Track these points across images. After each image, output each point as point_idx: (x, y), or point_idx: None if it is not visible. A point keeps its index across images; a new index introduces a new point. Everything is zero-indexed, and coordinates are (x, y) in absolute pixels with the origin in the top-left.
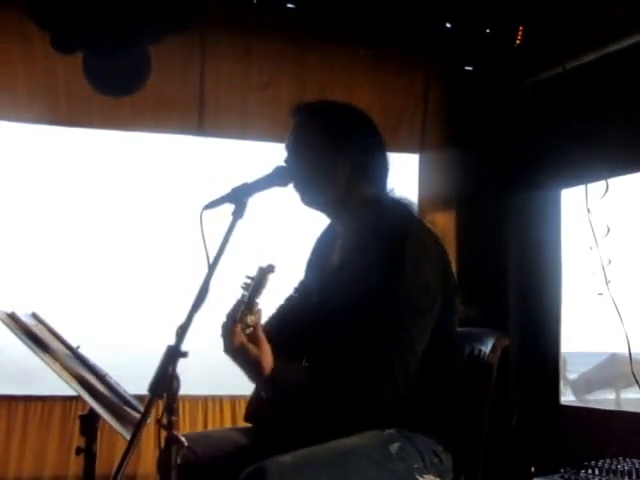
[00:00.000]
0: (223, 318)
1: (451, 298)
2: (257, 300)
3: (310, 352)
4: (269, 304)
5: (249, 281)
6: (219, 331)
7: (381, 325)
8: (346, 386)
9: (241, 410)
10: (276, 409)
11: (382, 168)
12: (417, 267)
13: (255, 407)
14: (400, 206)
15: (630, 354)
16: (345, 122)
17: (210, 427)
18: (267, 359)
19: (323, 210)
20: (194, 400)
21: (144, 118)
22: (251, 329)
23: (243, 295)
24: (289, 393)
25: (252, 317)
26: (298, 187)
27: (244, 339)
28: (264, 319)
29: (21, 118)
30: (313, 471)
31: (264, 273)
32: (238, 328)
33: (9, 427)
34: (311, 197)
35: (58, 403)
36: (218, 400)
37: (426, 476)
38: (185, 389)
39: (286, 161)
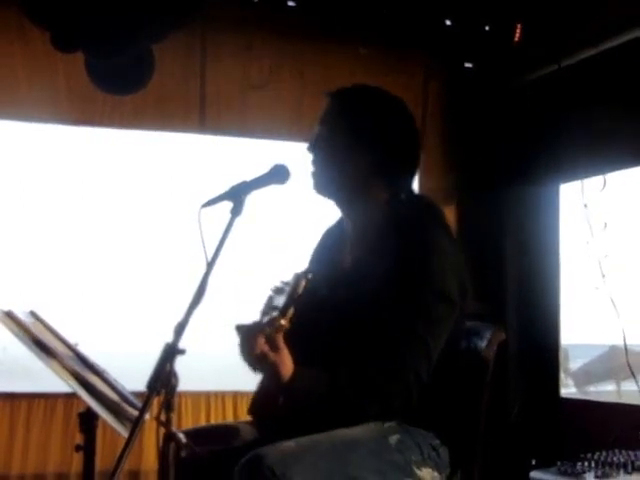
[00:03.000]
0: (245, 325)
1: (464, 301)
2: (291, 306)
3: (322, 349)
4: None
5: (280, 285)
6: (238, 336)
7: (398, 333)
8: (362, 397)
9: (243, 406)
10: (287, 409)
11: (408, 169)
12: (438, 273)
13: (260, 401)
14: (421, 208)
15: (626, 347)
16: (368, 113)
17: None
18: (286, 366)
19: (335, 199)
20: (196, 396)
21: (145, 116)
22: (280, 334)
23: (271, 297)
24: (307, 401)
25: (284, 322)
26: (315, 172)
27: (265, 347)
28: None
29: (22, 116)
30: (312, 459)
31: (299, 279)
32: (260, 338)
33: (12, 424)
34: (320, 183)
35: (60, 400)
36: (220, 396)
37: (424, 469)
38: (187, 385)
39: (311, 144)
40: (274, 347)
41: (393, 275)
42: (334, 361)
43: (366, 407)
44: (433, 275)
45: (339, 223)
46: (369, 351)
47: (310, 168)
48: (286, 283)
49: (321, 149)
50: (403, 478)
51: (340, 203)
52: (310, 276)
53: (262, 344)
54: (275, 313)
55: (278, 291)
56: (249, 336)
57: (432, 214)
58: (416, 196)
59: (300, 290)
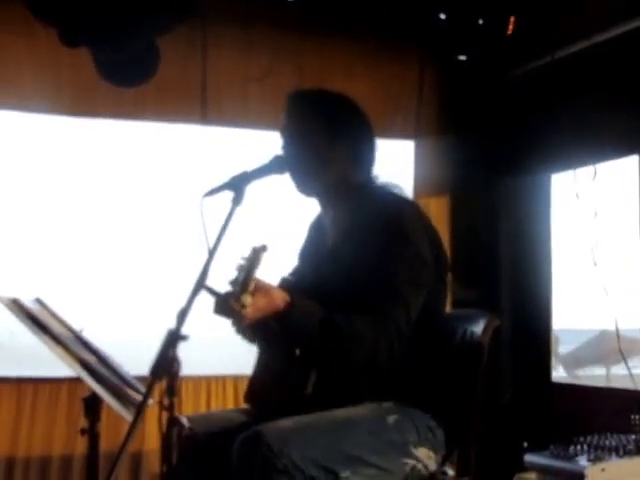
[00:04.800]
0: (217, 305)
1: (443, 276)
2: (252, 280)
3: None
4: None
5: (243, 262)
6: (222, 316)
7: (378, 292)
8: (352, 339)
9: (243, 390)
10: (276, 388)
11: (371, 155)
12: (415, 240)
13: (255, 387)
14: (392, 189)
15: (617, 332)
16: (340, 111)
17: (213, 407)
18: (280, 297)
19: (316, 196)
20: (197, 380)
21: (147, 108)
22: (247, 309)
23: (237, 276)
24: (302, 329)
25: (248, 297)
26: (293, 174)
27: (250, 310)
28: None
29: (27, 108)
30: (310, 436)
31: (257, 253)
32: (238, 306)
33: (19, 408)
34: (306, 184)
35: (65, 385)
36: (221, 380)
37: (420, 449)
38: (188, 370)
39: (282, 148)
40: (262, 290)
41: (374, 246)
42: None
43: (356, 348)
44: (408, 240)
45: (321, 216)
46: (354, 309)
47: (288, 170)
48: (246, 258)
49: (298, 149)
50: (400, 457)
51: (322, 198)
52: (267, 249)
53: (246, 310)
54: (238, 288)
55: (240, 268)
56: (230, 313)
57: (405, 196)
58: (386, 182)
59: (259, 263)
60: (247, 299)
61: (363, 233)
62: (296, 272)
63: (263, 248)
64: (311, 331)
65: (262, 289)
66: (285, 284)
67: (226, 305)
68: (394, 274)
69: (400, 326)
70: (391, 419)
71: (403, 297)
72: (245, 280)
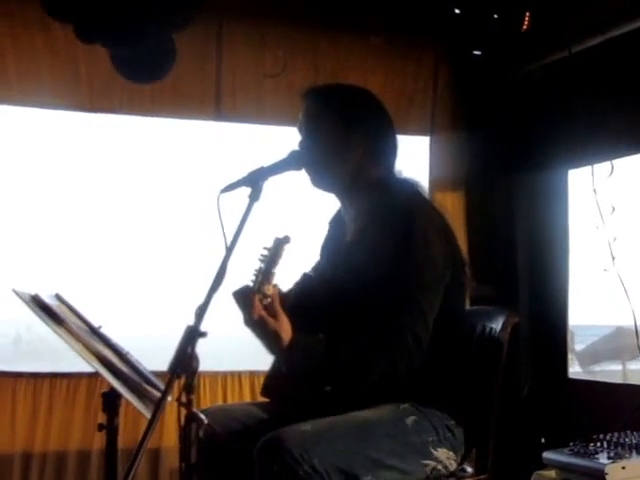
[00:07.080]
0: (239, 289)
1: (459, 274)
2: (274, 271)
3: (326, 326)
4: (286, 278)
5: (266, 252)
6: (236, 303)
7: (393, 299)
8: (361, 357)
9: (259, 386)
10: (293, 383)
11: (391, 150)
12: (425, 243)
13: (272, 381)
14: (408, 186)
15: (636, 328)
16: (355, 105)
17: (229, 402)
18: (286, 331)
19: (333, 192)
20: (214, 376)
21: (163, 104)
22: (269, 299)
23: (260, 267)
24: (307, 364)
25: (270, 287)
26: (309, 169)
27: (263, 312)
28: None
29: (45, 104)
30: (330, 441)
31: (280, 244)
32: (257, 301)
33: (35, 403)
34: (321, 179)
35: (83, 380)
36: (237, 376)
37: (440, 449)
38: (205, 366)
39: (298, 144)
40: (273, 312)
41: (386, 249)
42: (337, 332)
43: (368, 369)
44: (422, 245)
45: (340, 211)
46: (368, 319)
47: (305, 166)
48: (268, 249)
49: (314, 145)
50: (420, 459)
51: (339, 193)
52: (291, 240)
53: (260, 309)
54: (260, 277)
55: (263, 258)
56: (247, 302)
57: (420, 194)
58: (404, 178)
59: (282, 254)
60: (269, 289)
61: (377, 232)
62: (316, 268)
63: (286, 239)
64: (315, 367)
65: (277, 313)
66: (302, 284)
67: (246, 293)
68: (408, 279)
69: (418, 335)
70: (409, 420)
71: (419, 305)
72: (267, 271)
